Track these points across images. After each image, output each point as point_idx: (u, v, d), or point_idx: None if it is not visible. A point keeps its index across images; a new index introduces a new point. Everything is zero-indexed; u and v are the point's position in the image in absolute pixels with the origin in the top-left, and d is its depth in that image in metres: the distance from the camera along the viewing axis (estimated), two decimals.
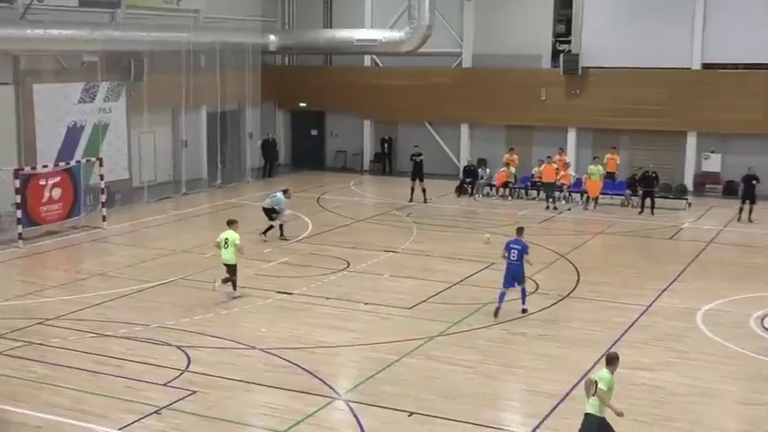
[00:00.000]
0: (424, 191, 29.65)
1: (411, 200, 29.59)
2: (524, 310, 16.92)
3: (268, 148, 36.79)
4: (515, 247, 16.76)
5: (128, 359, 14.33)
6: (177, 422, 11.86)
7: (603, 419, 10.31)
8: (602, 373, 10.47)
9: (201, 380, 13.37)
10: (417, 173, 30.03)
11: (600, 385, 10.26)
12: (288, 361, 14.25)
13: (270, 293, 18.24)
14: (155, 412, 12.10)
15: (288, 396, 12.79)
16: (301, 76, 39.04)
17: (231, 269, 17.91)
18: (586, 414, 10.40)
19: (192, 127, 33.35)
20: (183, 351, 14.66)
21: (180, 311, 16.96)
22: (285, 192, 24.04)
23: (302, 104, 39.03)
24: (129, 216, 26.80)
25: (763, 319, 16.51)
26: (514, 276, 16.69)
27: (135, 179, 30.79)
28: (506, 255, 16.81)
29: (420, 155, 30.55)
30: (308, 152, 39.93)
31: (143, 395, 12.77)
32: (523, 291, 16.96)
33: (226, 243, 17.95)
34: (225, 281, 17.94)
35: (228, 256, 17.89)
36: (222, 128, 34.38)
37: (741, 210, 26.91)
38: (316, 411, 12.24)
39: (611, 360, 10.62)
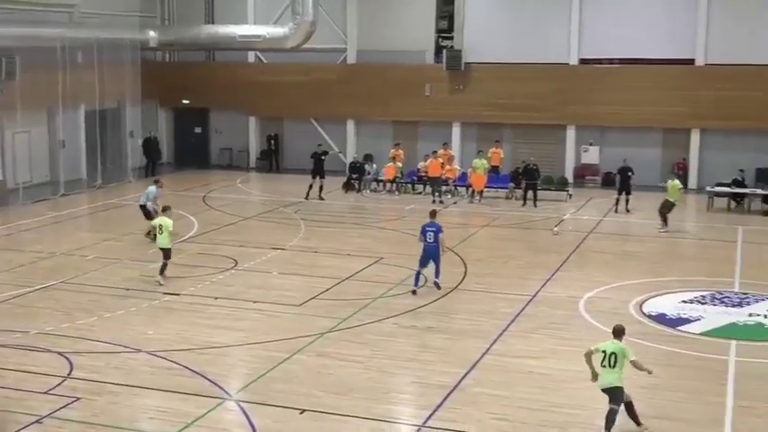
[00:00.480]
0: (321, 188, 29.46)
1: (307, 197, 29.36)
2: (436, 284, 18.05)
3: (150, 146, 35.93)
4: (431, 229, 17.98)
5: (5, 368, 13.71)
6: (61, 431, 11.43)
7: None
8: (618, 346, 11.40)
9: (85, 386, 12.94)
10: (319, 170, 29.67)
11: (629, 356, 11.35)
12: (176, 363, 13.94)
13: (156, 295, 17.81)
14: (36, 421, 11.63)
15: (177, 399, 12.52)
16: (183, 73, 38.30)
17: (166, 253, 18.81)
18: (615, 387, 11.23)
19: (69, 126, 32.27)
20: (65, 357, 14.14)
21: (61, 316, 16.37)
22: (156, 182, 23.61)
23: (185, 102, 38.30)
24: (3, 219, 25.71)
25: (641, 305, 17.12)
26: (430, 257, 17.99)
27: (9, 181, 29.59)
28: (422, 238, 18.03)
29: (325, 153, 30.31)
30: (192, 150, 39.21)
31: (23, 404, 12.24)
32: (437, 267, 18.12)
33: (161, 229, 18.84)
34: (162, 271, 18.66)
35: (164, 241, 18.79)
36: (102, 126, 33.42)
37: (618, 201, 27.87)
38: (206, 413, 12.02)
39: (620, 332, 11.60)
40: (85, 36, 31.38)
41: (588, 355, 11.58)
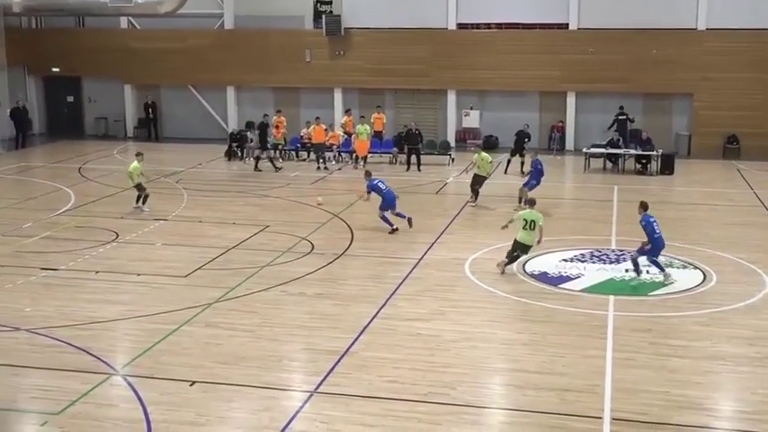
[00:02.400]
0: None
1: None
2: (409, 221, 20.53)
3: (19, 116, 34.39)
4: (381, 182, 20.84)
5: None
6: None
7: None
8: (536, 214, 16.90)
9: None
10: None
11: (540, 223, 16.75)
12: (58, 340, 13.49)
13: (33, 270, 17.14)
14: None
15: (60, 376, 12.12)
16: (52, 40, 36.82)
17: (138, 187, 22.37)
18: (530, 246, 16.97)
19: None
20: None
21: None
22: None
23: (55, 69, 36.82)
24: None
25: (524, 265, 17.56)
26: (391, 202, 20.53)
27: None
28: (383, 187, 20.54)
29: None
30: (65, 120, 37.88)
31: None
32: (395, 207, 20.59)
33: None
34: (142, 200, 22.23)
35: (134, 179, 22.35)
36: None
37: (509, 162, 28.44)
38: (91, 389, 11.68)
39: (534, 202, 17.40)
40: None
41: (510, 221, 17.30)
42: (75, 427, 10.67)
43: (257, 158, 29.03)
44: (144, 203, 22.39)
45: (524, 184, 23.09)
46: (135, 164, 22.49)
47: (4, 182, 27.47)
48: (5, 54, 32.85)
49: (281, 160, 30.96)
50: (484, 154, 23.56)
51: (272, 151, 30.13)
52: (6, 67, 33.46)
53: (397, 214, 20.57)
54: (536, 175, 23.11)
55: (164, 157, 31.06)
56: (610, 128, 31.12)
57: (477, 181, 23.47)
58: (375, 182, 20.78)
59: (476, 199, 23.52)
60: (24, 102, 35.47)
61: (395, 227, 20.34)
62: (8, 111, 34.23)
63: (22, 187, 26.64)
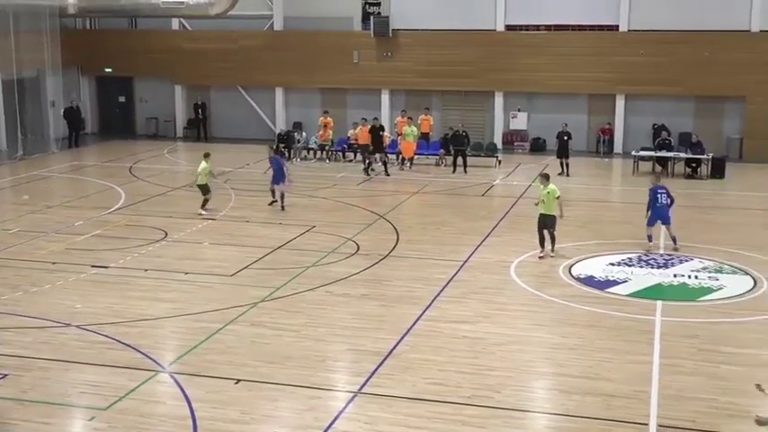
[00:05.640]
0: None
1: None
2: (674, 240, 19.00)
3: (72, 115, 35.04)
4: (662, 191, 19.05)
5: None
6: None
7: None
8: (552, 187, 17.99)
9: (13, 362, 12.62)
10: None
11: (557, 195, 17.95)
12: (107, 336, 13.71)
13: (84, 268, 17.44)
14: None
15: (109, 372, 12.32)
16: (105, 41, 37.41)
17: (203, 189, 22.32)
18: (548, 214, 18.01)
19: None
20: None
21: None
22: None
23: (108, 69, 37.42)
24: None
25: (570, 268, 17.42)
26: (660, 217, 19.00)
27: None
28: (655, 200, 19.00)
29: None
30: (116, 119, 38.45)
31: None
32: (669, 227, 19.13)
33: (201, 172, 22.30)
34: (204, 205, 22.26)
35: (201, 179, 22.29)
36: (21, 95, 32.45)
37: (562, 164, 28.26)
38: (139, 386, 11.86)
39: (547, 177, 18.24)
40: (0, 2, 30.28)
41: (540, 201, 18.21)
42: (123, 422, 10.83)
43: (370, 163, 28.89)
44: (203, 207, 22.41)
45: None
46: (204, 164, 22.46)
47: (58, 180, 28.01)
48: (60, 55, 33.44)
49: (328, 161, 31.11)
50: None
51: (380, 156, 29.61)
52: (61, 67, 34.08)
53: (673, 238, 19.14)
54: None
55: (212, 157, 31.21)
56: None
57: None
58: (659, 189, 19.11)
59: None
60: (78, 101, 36.11)
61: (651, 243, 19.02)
62: (62, 110, 34.90)
63: (74, 186, 27.12)
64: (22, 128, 32.29)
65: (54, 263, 17.77)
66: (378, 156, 28.89)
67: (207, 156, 22.88)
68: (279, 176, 22.93)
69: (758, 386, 10.51)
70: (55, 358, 12.82)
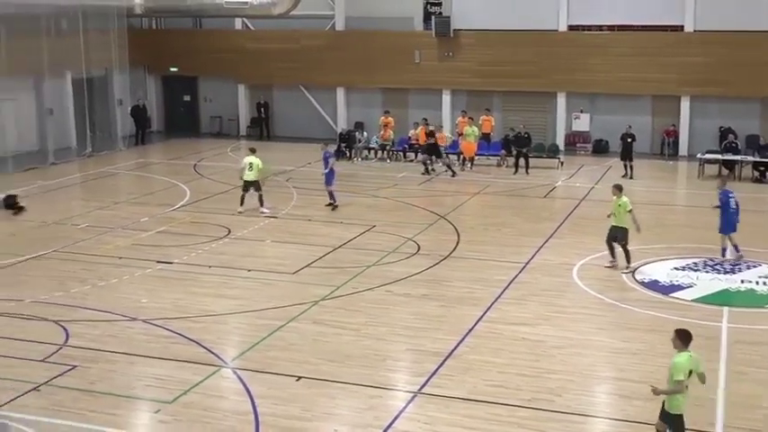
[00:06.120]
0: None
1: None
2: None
3: (138, 114, 35.74)
4: (732, 196, 18.59)
5: (1, 336, 13.72)
6: (58, 398, 11.46)
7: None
8: (625, 200, 17.30)
9: (81, 354, 12.97)
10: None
11: (629, 208, 17.35)
12: (171, 331, 13.97)
13: (149, 263, 17.79)
14: (33, 389, 11.67)
15: (173, 366, 12.56)
16: (171, 40, 38.02)
17: (256, 185, 22.24)
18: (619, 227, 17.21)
19: (57, 94, 32.05)
20: (61, 325, 14.16)
21: (55, 285, 16.35)
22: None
23: (173, 69, 38.03)
24: None
25: (634, 272, 17.21)
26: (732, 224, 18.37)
27: None
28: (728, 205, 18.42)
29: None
30: (181, 118, 39.05)
31: (19, 372, 12.28)
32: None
33: (250, 167, 22.18)
34: (261, 201, 22.23)
35: (252, 175, 22.18)
36: (90, 94, 33.18)
37: (625, 167, 27.92)
38: (202, 380, 12.07)
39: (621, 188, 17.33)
40: (70, 3, 30.96)
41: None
42: (187, 416, 11.04)
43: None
44: (262, 204, 22.51)
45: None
46: (257, 159, 22.41)
47: (124, 177, 28.59)
48: (128, 54, 34.13)
49: (389, 161, 31.19)
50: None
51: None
52: (128, 67, 34.77)
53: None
54: None
55: (274, 156, 31.57)
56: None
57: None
58: (730, 193, 18.67)
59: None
60: (144, 100, 36.80)
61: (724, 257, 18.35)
62: (129, 109, 35.61)
63: (140, 182, 27.66)
64: (90, 125, 32.99)
65: (120, 258, 18.16)
66: (434, 157, 28.86)
67: (254, 151, 22.97)
68: (330, 177, 23.00)
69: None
70: (122, 351, 13.11)
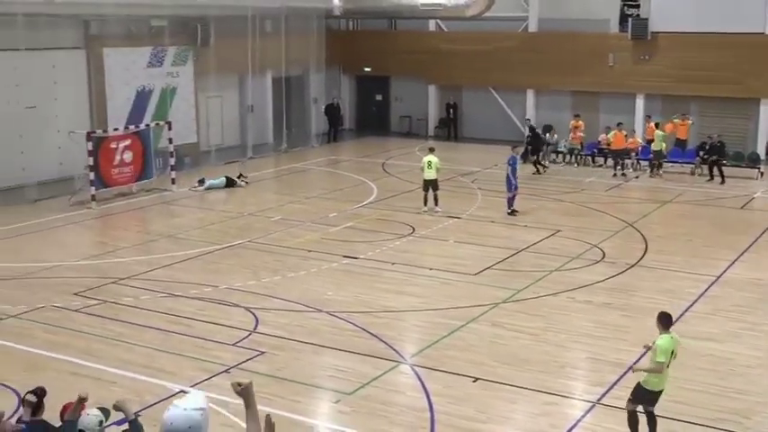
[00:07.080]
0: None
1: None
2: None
3: (332, 112, 36.96)
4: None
5: (197, 319, 14.66)
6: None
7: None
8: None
9: (269, 341, 13.63)
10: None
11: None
12: (354, 324, 14.42)
13: (336, 258, 18.42)
14: (224, 371, 12.38)
15: (354, 359, 12.97)
16: (366, 41, 39.02)
17: (434, 184, 22.43)
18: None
19: (257, 92, 33.62)
20: (251, 312, 14.95)
21: (247, 274, 17.26)
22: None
23: (367, 69, 39.02)
24: (197, 179, 27.12)
25: None
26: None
27: (203, 143, 31.25)
28: None
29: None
30: (372, 117, 40.00)
31: (212, 354, 13.07)
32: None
33: (429, 165, 22.33)
34: (436, 201, 22.46)
35: (432, 174, 22.32)
36: (287, 93, 34.59)
37: None
38: (381, 375, 12.39)
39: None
40: (275, 5, 32.44)
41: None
42: (365, 408, 11.38)
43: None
44: (437, 204, 22.71)
45: None
46: (435, 158, 22.58)
47: (316, 173, 29.67)
48: (325, 55, 35.39)
49: (576, 165, 30.66)
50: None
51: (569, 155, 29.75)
52: (325, 66, 36.05)
53: None
54: None
55: (461, 157, 31.87)
56: None
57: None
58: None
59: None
60: (338, 99, 38.02)
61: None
62: (323, 107, 36.91)
63: (330, 179, 28.63)
64: (287, 122, 34.45)
65: (309, 251, 18.89)
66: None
67: (432, 150, 23.19)
68: (510, 183, 22.71)
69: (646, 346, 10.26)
70: (307, 341, 13.67)
